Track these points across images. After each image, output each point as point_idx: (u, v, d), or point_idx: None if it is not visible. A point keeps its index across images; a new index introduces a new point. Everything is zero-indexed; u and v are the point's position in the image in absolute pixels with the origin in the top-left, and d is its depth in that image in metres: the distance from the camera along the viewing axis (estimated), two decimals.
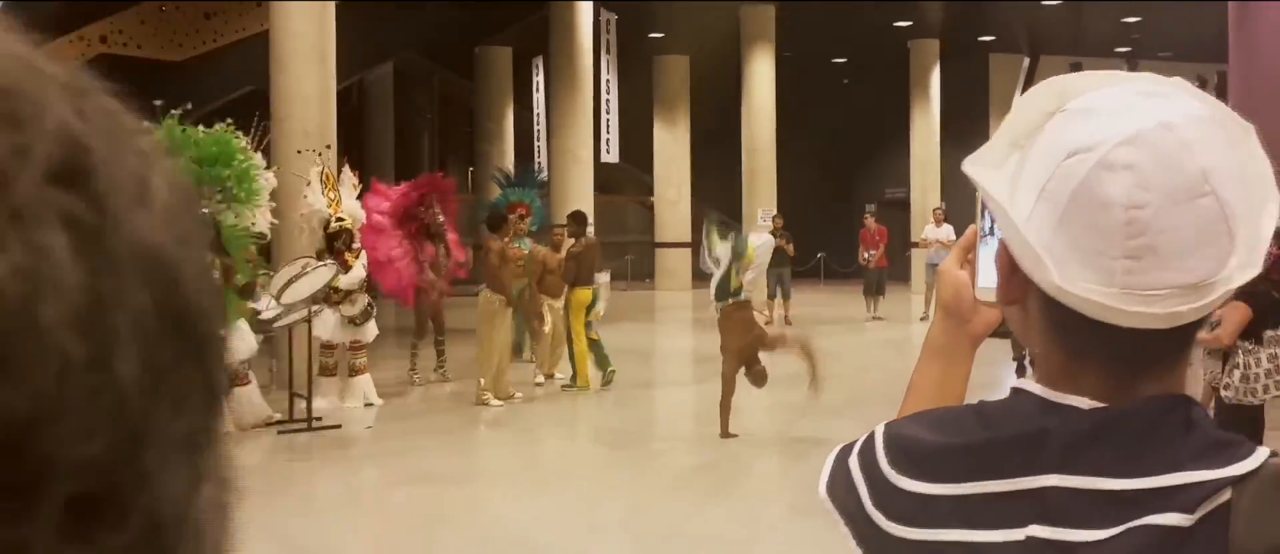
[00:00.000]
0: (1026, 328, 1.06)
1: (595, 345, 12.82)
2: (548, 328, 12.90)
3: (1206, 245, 0.94)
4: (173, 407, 0.36)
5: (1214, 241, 0.94)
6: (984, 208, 1.20)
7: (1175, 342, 0.99)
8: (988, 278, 1.17)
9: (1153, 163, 0.93)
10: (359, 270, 11.64)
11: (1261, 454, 0.95)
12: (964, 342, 1.26)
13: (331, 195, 11.47)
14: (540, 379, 13.02)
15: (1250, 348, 7.33)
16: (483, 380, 11.76)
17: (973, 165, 1.07)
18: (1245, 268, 0.96)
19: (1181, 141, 0.94)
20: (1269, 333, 7.40)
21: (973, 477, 1.00)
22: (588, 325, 12.74)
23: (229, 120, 7.99)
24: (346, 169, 12.02)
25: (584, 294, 12.72)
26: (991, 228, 1.13)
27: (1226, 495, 0.93)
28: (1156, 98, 0.98)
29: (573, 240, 12.95)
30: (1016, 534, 0.97)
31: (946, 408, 1.12)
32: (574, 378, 12.69)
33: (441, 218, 13.08)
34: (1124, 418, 0.98)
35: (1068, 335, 1.00)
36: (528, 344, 13.89)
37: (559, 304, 13.09)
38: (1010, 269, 1.03)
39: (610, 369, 12.79)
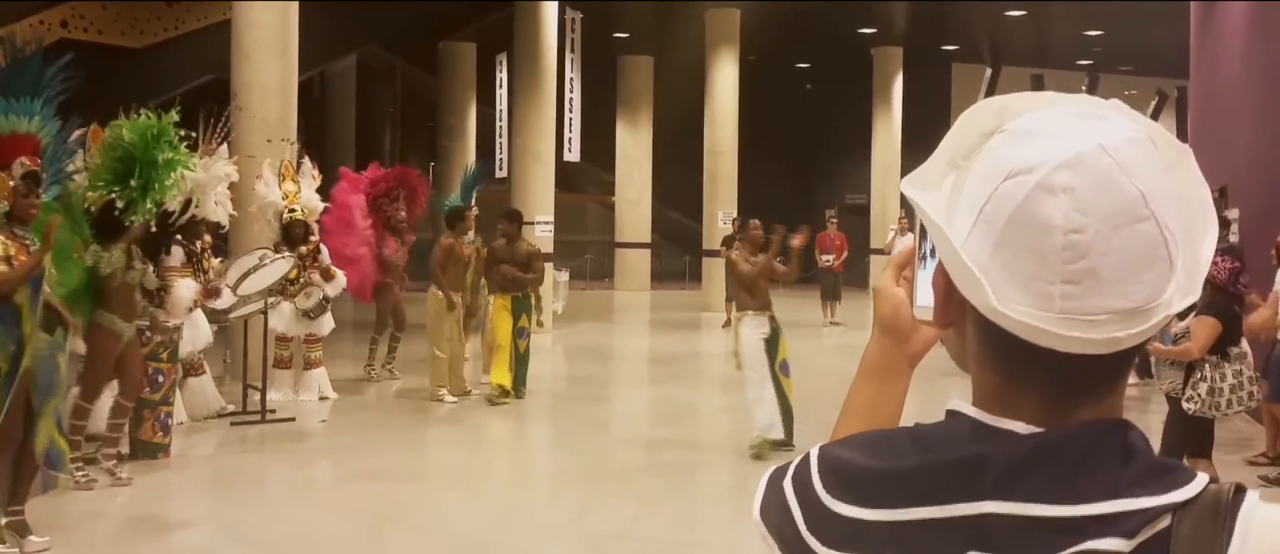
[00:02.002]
0: (962, 352, 1.05)
1: (521, 359, 11.84)
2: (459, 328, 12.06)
3: (1145, 270, 0.93)
4: None
5: (1153, 266, 0.93)
6: (923, 227, 1.16)
7: (1112, 366, 0.97)
8: (925, 296, 1.15)
9: (1091, 186, 0.92)
10: (341, 280, 11.61)
11: (1201, 482, 0.93)
12: (901, 361, 1.23)
13: (289, 186, 11.40)
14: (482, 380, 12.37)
15: (1216, 362, 7.42)
16: (433, 378, 11.75)
17: (911, 186, 1.04)
18: (1185, 294, 0.95)
19: (1120, 164, 0.93)
20: (1234, 349, 7.51)
21: (908, 502, 0.98)
22: (519, 334, 11.73)
23: (174, 112, 7.90)
24: (307, 161, 11.94)
25: (504, 300, 11.75)
26: (932, 249, 1.10)
27: (1166, 522, 0.91)
28: (1095, 120, 0.96)
29: (503, 240, 11.81)
30: None
31: (881, 431, 1.09)
32: (515, 383, 11.80)
33: (403, 214, 13.04)
34: (1062, 443, 0.95)
35: (1004, 359, 0.99)
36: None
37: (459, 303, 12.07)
38: (947, 292, 1.01)
39: (523, 388, 11.89)
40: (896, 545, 0.97)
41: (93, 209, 7.77)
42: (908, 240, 1.24)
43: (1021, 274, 0.93)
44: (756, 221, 10.05)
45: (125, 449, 8.51)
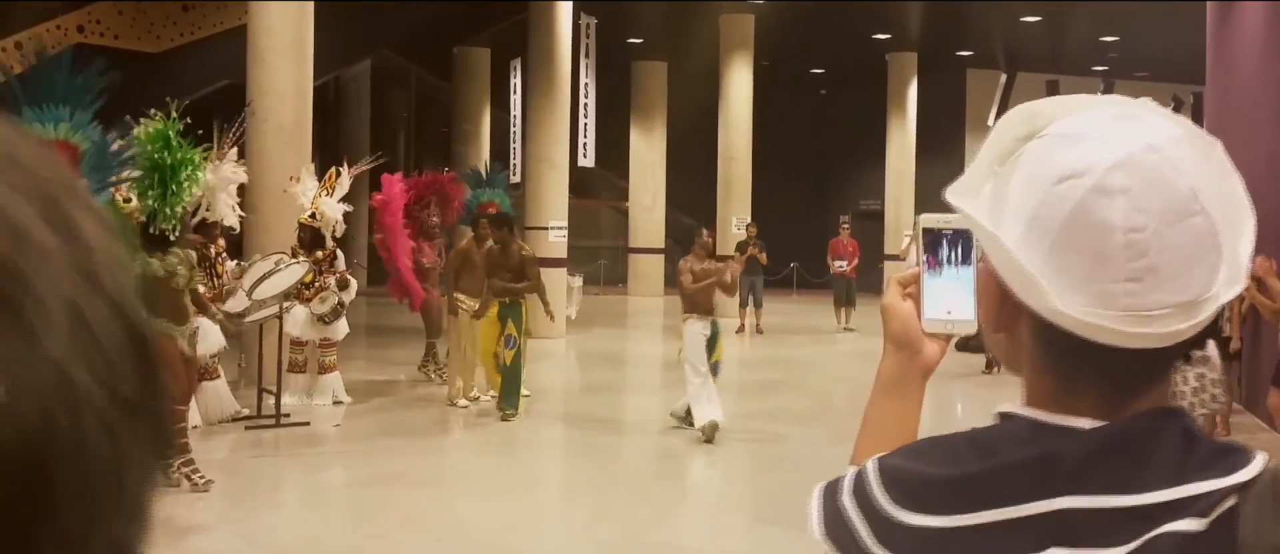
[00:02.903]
0: (1015, 354, 1.08)
1: (508, 371, 10.94)
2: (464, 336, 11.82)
3: (1199, 262, 0.97)
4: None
5: (1205, 258, 0.97)
6: (927, 241, 1.24)
7: (1166, 358, 1.02)
8: (932, 309, 1.22)
9: (1146, 185, 0.95)
10: (354, 287, 11.67)
11: (1260, 461, 0.98)
12: (915, 373, 1.26)
13: (324, 194, 11.49)
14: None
15: (1178, 366, 7.39)
16: (457, 381, 11.77)
17: (955, 194, 1.08)
18: (1231, 284, 0.99)
19: (1169, 162, 0.96)
20: (1197, 352, 7.47)
21: (981, 506, 0.99)
22: (506, 343, 10.84)
23: (186, 119, 7.93)
24: (346, 171, 11.97)
25: (492, 310, 10.98)
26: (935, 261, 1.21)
27: (1233, 501, 0.95)
28: (1134, 120, 1.00)
29: (497, 248, 11.05)
30: None
31: (934, 438, 1.10)
32: (501, 398, 11.03)
33: (435, 219, 13.16)
34: (1126, 435, 0.99)
35: (1061, 360, 1.02)
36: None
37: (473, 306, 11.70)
38: (1000, 296, 1.04)
39: (510, 412, 10.95)
40: (974, 550, 0.99)
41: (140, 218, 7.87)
42: (925, 214, 1.28)
43: (1079, 275, 0.97)
44: (707, 230, 11.34)
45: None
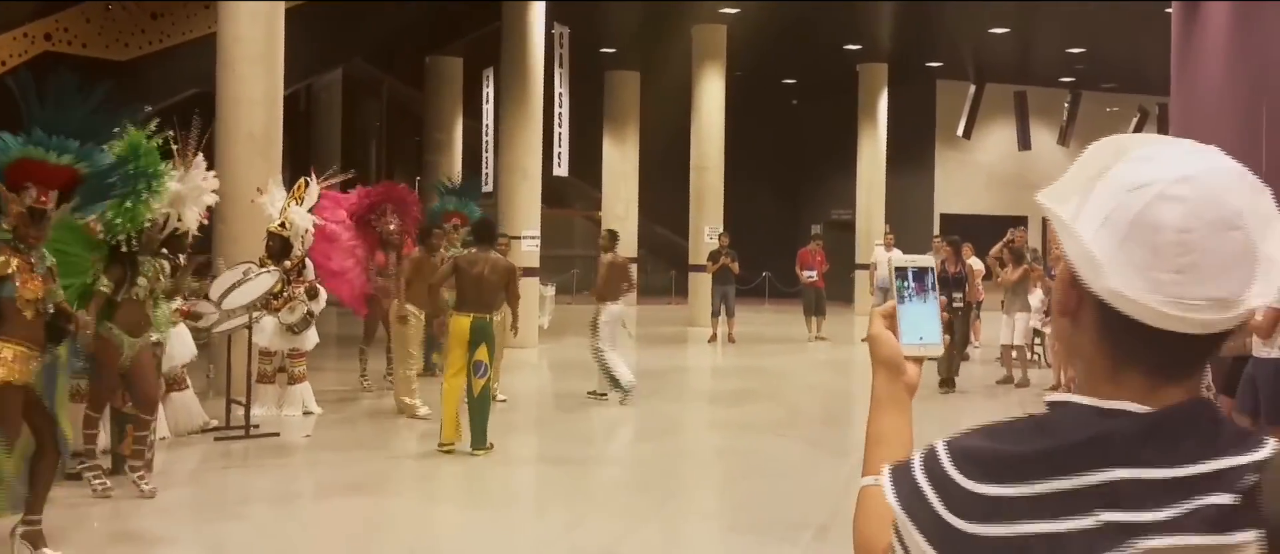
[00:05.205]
0: (1076, 336, 1.28)
1: (477, 403, 9.76)
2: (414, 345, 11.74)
3: (1235, 269, 1.18)
4: None
5: (1241, 267, 1.18)
6: (899, 278, 1.50)
7: (1201, 350, 1.22)
8: (909, 335, 1.48)
9: (1201, 198, 1.17)
10: (324, 296, 11.62)
11: (1273, 444, 1.18)
12: (903, 391, 1.51)
13: (293, 203, 11.45)
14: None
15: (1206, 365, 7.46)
16: (399, 392, 11.74)
17: (1047, 196, 1.27)
18: (1261, 296, 1.19)
19: (1224, 185, 1.18)
20: None
21: (1047, 477, 1.16)
22: (475, 368, 9.69)
23: (155, 126, 7.88)
24: (314, 181, 11.94)
25: (461, 323, 9.78)
26: (911, 291, 1.49)
27: (1254, 477, 1.15)
28: (1203, 154, 1.22)
29: (471, 251, 10.47)
30: (1087, 521, 1.13)
31: (1001, 422, 1.27)
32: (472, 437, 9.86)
33: (394, 227, 13.07)
34: (1170, 417, 1.19)
35: (1116, 341, 1.23)
36: (438, 358, 13.21)
37: (421, 317, 11.63)
38: (1069, 281, 1.25)
39: (488, 444, 9.80)
40: (1035, 514, 1.15)
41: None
42: (895, 254, 1.44)
43: (1138, 264, 1.17)
44: (611, 229, 14.09)
45: (152, 454, 8.55)
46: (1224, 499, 1.13)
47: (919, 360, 1.50)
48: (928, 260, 1.52)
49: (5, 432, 6.30)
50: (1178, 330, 1.18)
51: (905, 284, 1.49)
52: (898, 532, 1.25)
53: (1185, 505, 1.13)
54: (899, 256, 1.51)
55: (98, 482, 8.07)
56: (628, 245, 28.13)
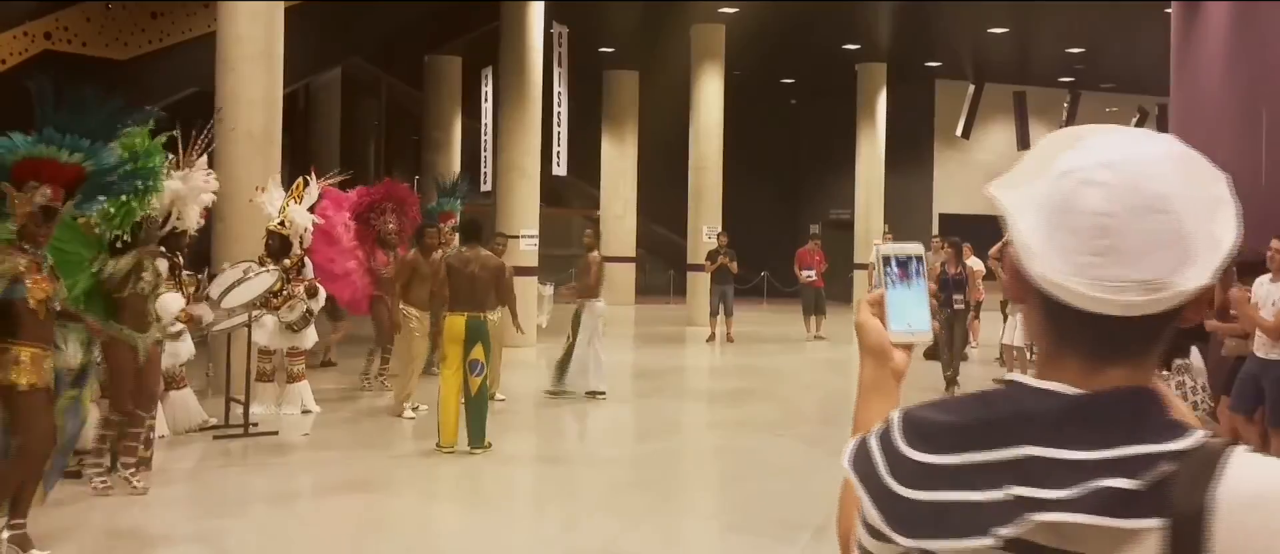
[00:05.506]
0: (1030, 321, 1.30)
1: (474, 403, 9.79)
2: (417, 350, 11.68)
3: (1160, 251, 1.17)
4: None
5: (1167, 250, 1.17)
6: (886, 266, 1.50)
7: (1137, 335, 1.22)
8: (897, 323, 1.49)
9: (1121, 183, 1.18)
10: (323, 295, 11.62)
11: (1201, 436, 1.16)
12: (890, 378, 1.52)
13: (292, 202, 11.45)
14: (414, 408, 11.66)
15: (1164, 375, 7.47)
16: (396, 394, 11.73)
17: (996, 187, 1.29)
18: (1198, 278, 1.19)
19: (1150, 171, 1.19)
20: (1179, 361, 7.56)
21: (969, 448, 1.20)
22: (471, 367, 9.71)
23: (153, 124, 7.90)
24: (314, 180, 11.94)
25: (455, 322, 9.79)
26: (894, 278, 1.50)
27: (1171, 467, 1.13)
28: (1143, 141, 1.23)
29: (460, 250, 10.30)
30: (998, 494, 1.17)
31: (955, 396, 1.31)
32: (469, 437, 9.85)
33: (392, 226, 13.06)
34: (1092, 402, 1.20)
35: (1055, 324, 1.25)
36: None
37: (424, 320, 11.61)
38: (1016, 271, 1.27)
39: (486, 443, 9.87)
40: (954, 483, 1.20)
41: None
42: (882, 243, 1.44)
43: (1064, 249, 1.19)
44: (591, 231, 14.11)
45: (150, 452, 8.56)
46: (1123, 483, 1.13)
47: (908, 347, 1.51)
48: (914, 248, 1.53)
49: (36, 436, 6.34)
50: (1104, 312, 1.19)
51: (891, 271, 1.50)
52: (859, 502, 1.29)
53: (1085, 486, 1.13)
54: (887, 246, 1.53)
55: (98, 480, 8.09)
56: (625, 244, 28.22)
